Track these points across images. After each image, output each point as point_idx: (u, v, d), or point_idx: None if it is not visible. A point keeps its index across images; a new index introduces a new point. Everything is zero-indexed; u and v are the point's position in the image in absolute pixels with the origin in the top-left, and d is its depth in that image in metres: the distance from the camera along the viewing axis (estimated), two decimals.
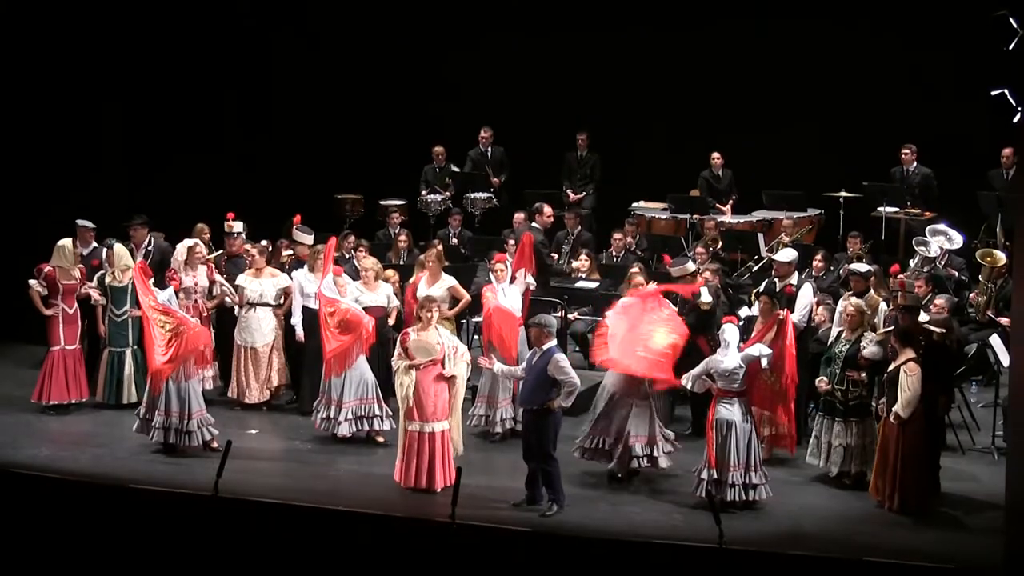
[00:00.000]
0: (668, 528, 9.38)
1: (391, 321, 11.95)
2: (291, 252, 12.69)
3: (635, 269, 12.03)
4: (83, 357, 11.90)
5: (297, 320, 11.85)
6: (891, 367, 9.73)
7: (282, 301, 12.08)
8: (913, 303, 10.52)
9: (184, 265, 12.12)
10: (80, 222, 12.50)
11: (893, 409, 9.58)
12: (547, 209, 13.17)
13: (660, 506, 9.89)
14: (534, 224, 12.75)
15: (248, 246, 12.46)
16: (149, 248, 12.78)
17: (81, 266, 11.95)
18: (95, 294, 11.88)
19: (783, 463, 10.69)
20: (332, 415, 10.95)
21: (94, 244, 12.57)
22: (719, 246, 14.02)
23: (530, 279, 11.49)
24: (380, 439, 11.11)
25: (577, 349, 12.79)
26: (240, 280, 12.07)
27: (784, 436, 10.03)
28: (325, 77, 16.56)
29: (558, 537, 8.98)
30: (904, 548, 8.95)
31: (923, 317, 10.54)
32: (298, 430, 11.57)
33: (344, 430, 10.94)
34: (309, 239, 12.49)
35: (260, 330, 12.05)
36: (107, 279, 11.94)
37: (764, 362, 9.73)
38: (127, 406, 11.61)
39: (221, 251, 12.98)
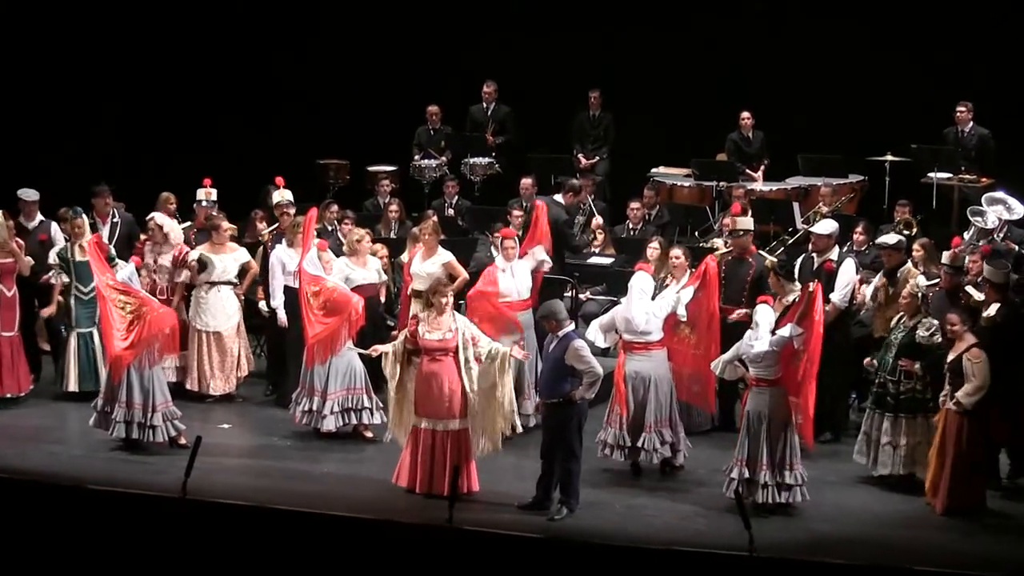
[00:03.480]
0: (691, 533, 9.43)
1: (382, 299, 12.03)
2: (272, 225, 12.64)
3: (654, 244, 12.04)
4: (23, 345, 11.85)
5: (279, 302, 11.86)
6: (952, 355, 9.69)
7: (241, 279, 12.22)
8: (955, 263, 10.55)
9: (151, 242, 12.14)
10: (23, 193, 12.38)
11: (956, 396, 9.56)
12: (583, 193, 13.03)
13: (681, 508, 9.93)
14: (557, 198, 12.70)
15: (215, 213, 12.46)
16: (115, 220, 12.83)
17: (18, 240, 11.85)
18: (55, 280, 11.86)
19: (822, 461, 10.72)
20: (315, 408, 10.95)
21: (40, 217, 12.49)
22: (749, 216, 13.94)
23: (544, 255, 11.43)
24: (369, 434, 11.13)
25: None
26: (194, 254, 12.03)
27: (800, 426, 9.83)
28: (305, 27, 16.56)
29: (568, 543, 8.99)
30: (954, 555, 9.04)
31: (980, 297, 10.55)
32: (276, 424, 11.60)
33: (329, 424, 10.95)
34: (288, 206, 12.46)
35: (223, 311, 12.04)
36: (72, 253, 11.91)
37: (797, 344, 9.72)
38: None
39: (189, 223, 12.99)
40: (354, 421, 11.03)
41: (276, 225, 12.61)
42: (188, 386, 12.01)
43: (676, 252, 11.23)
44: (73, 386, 11.90)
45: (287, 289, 11.80)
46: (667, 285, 11.09)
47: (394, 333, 11.28)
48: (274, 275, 11.89)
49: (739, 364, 9.91)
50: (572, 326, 9.65)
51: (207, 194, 12.82)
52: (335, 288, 10.97)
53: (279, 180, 12.88)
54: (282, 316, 11.85)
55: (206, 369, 12.01)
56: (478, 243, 13.78)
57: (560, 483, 9.62)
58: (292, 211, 12.32)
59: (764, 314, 9.81)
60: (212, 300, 11.99)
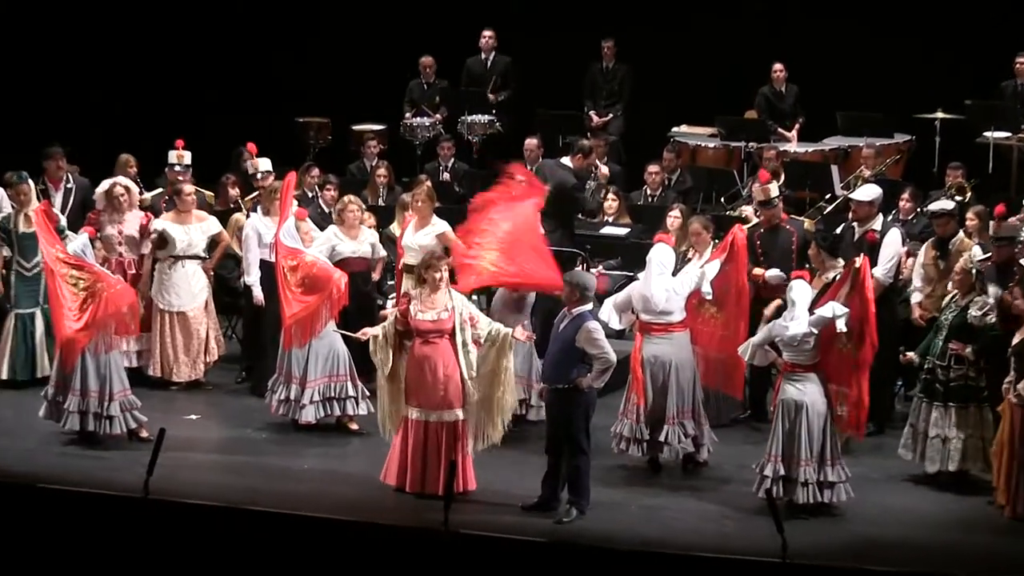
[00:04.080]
0: (717, 537, 9.43)
1: (375, 276, 12.03)
2: (252, 192, 12.62)
3: (675, 212, 12.05)
4: None
5: (255, 278, 11.88)
6: (1017, 338, 9.65)
7: (211, 253, 12.23)
8: (1009, 234, 10.54)
9: (107, 211, 12.10)
10: None
11: (1017, 387, 9.55)
12: (594, 156, 13.04)
13: (706, 509, 9.92)
14: (564, 161, 12.66)
15: (181, 178, 12.45)
16: (69, 186, 12.81)
17: None
18: None
19: (865, 456, 10.70)
20: (294, 396, 10.97)
21: None
22: (782, 182, 13.94)
23: None
24: (354, 427, 11.16)
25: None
26: (160, 224, 12.01)
27: (851, 418, 9.90)
28: None
29: (578, 548, 8.98)
30: (1010, 562, 9.06)
31: None
32: (250, 415, 11.62)
33: (308, 415, 10.97)
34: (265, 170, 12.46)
35: (189, 289, 12.06)
36: (15, 223, 11.92)
37: (840, 325, 9.66)
38: (41, 381, 11.60)
39: (160, 190, 13.00)
40: (336, 412, 11.05)
41: (257, 193, 12.64)
42: (151, 372, 12.03)
43: (699, 221, 11.20)
44: (5, 373, 11.90)
45: (264, 263, 11.81)
46: (690, 259, 11.08)
47: (384, 313, 11.27)
48: (248, 247, 11.88)
49: (770, 348, 9.89)
50: (591, 306, 9.64)
51: (179, 157, 12.77)
52: (315, 262, 10.93)
53: (251, 147, 12.86)
54: (258, 293, 11.84)
55: (170, 353, 12.01)
56: None
57: (567, 481, 9.61)
58: (271, 180, 12.33)
59: (801, 291, 9.77)
60: (176, 277, 12.00)
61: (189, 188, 12.11)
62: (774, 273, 11.19)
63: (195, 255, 12.05)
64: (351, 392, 11.03)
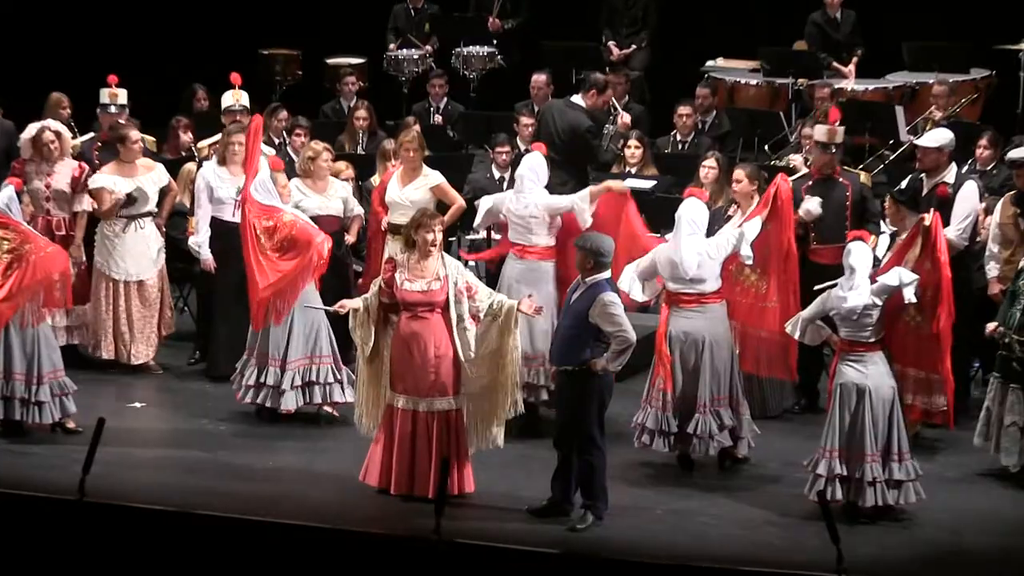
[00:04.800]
0: (760, 547, 9.43)
1: (349, 238, 12.07)
2: (214, 137, 12.61)
3: (709, 161, 12.00)
4: None
5: (203, 238, 11.95)
6: None
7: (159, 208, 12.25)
8: None
9: (34, 161, 12.08)
10: None
11: None
12: (610, 92, 13.08)
13: (746, 515, 9.95)
14: (575, 99, 12.66)
15: (123, 121, 12.46)
16: None
17: None
18: None
19: (935, 449, 10.70)
20: (272, 381, 11.02)
21: None
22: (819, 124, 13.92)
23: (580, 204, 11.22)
24: (336, 415, 11.25)
25: None
26: (100, 180, 12.01)
27: (938, 407, 9.96)
28: None
29: (594, 560, 8.98)
30: None
31: None
32: (206, 403, 11.68)
33: (289, 402, 11.03)
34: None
35: (147, 254, 12.13)
36: None
37: (909, 295, 9.67)
38: None
39: (91, 135, 12.97)
40: (318, 399, 11.12)
41: (92, 135, 12.73)
42: (102, 354, 12.07)
43: (739, 172, 11.18)
44: None
45: (218, 222, 11.88)
46: (727, 217, 11.06)
47: (362, 283, 11.26)
48: (199, 203, 11.94)
49: (824, 324, 9.87)
50: (608, 274, 9.64)
51: (113, 96, 12.78)
52: (294, 222, 10.95)
53: (234, 77, 12.84)
54: (206, 255, 11.90)
55: (124, 331, 12.05)
56: (474, 160, 13.81)
57: (580, 481, 9.65)
58: (246, 122, 12.32)
59: (860, 255, 9.75)
60: (131, 240, 12.05)
61: (136, 134, 12.12)
62: (812, 205, 11.15)
63: (148, 212, 12.11)
64: (336, 377, 11.13)
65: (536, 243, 11.09)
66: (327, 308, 10.50)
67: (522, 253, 11.13)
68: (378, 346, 9.93)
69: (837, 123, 11.43)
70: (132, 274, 12.05)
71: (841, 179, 11.44)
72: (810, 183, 11.46)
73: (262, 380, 11.04)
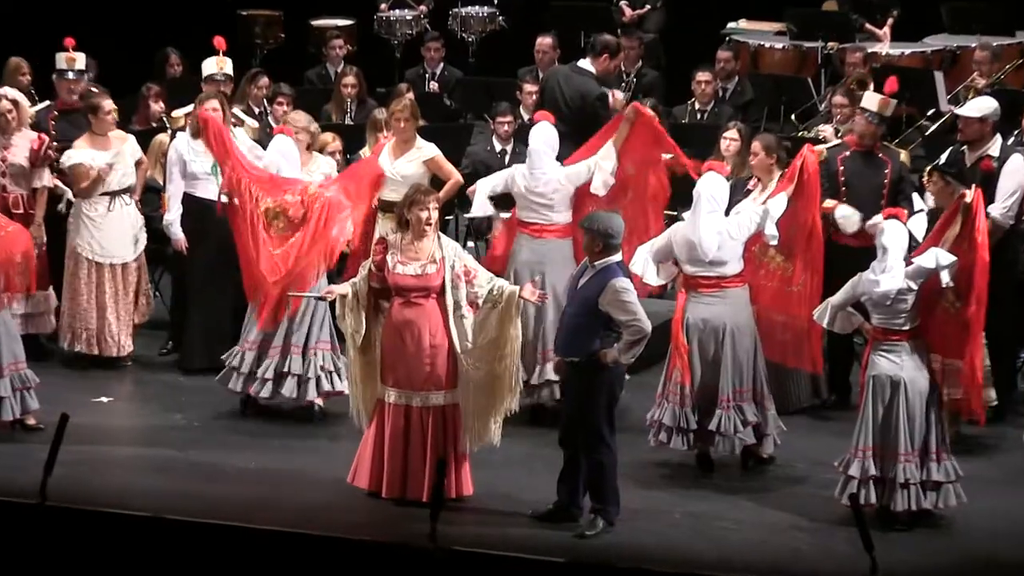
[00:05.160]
0: (786, 555, 9.46)
1: None
2: (185, 107, 12.64)
3: (731, 132, 12.01)
4: None
5: (174, 216, 12.00)
6: None
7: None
8: None
9: None
10: None
11: None
12: (622, 56, 13.10)
13: (772, 519, 9.97)
14: (583, 64, 12.68)
15: (94, 90, 12.46)
16: None
17: None
18: None
19: (978, 448, 10.68)
20: (285, 368, 11.01)
21: None
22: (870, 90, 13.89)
23: (604, 162, 11.25)
24: (319, 402, 11.32)
25: None
26: (77, 156, 12.01)
27: (967, 398, 9.96)
28: None
29: (605, 569, 8.82)
30: None
31: None
32: (178, 398, 11.72)
33: (310, 392, 11.12)
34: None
35: (131, 234, 12.21)
36: None
37: (946, 278, 9.69)
38: None
39: (47, 103, 12.96)
40: (326, 388, 11.17)
41: (48, 103, 12.76)
42: (81, 348, 12.10)
43: (755, 144, 11.17)
44: None
45: (191, 199, 11.96)
46: (749, 190, 11.07)
47: (351, 266, 11.30)
48: (171, 177, 12.00)
49: (855, 310, 9.88)
50: (619, 257, 9.64)
51: (70, 60, 12.75)
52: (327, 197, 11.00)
53: (218, 41, 12.80)
54: (178, 234, 11.93)
55: (110, 320, 12.10)
56: (473, 130, 13.85)
57: (589, 483, 9.67)
58: (229, 90, 12.50)
59: (894, 235, 9.76)
60: (116, 218, 12.09)
61: (110, 103, 12.14)
62: (846, 213, 11.15)
63: (127, 188, 12.16)
64: (335, 364, 11.21)
65: (556, 220, 11.17)
66: (313, 295, 10.47)
67: (539, 233, 11.18)
68: (370, 335, 9.93)
69: (893, 93, 11.42)
70: (117, 256, 12.11)
71: (881, 155, 11.41)
72: (847, 153, 11.43)
73: (273, 371, 11.10)
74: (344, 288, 9.98)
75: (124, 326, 12.13)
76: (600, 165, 11.13)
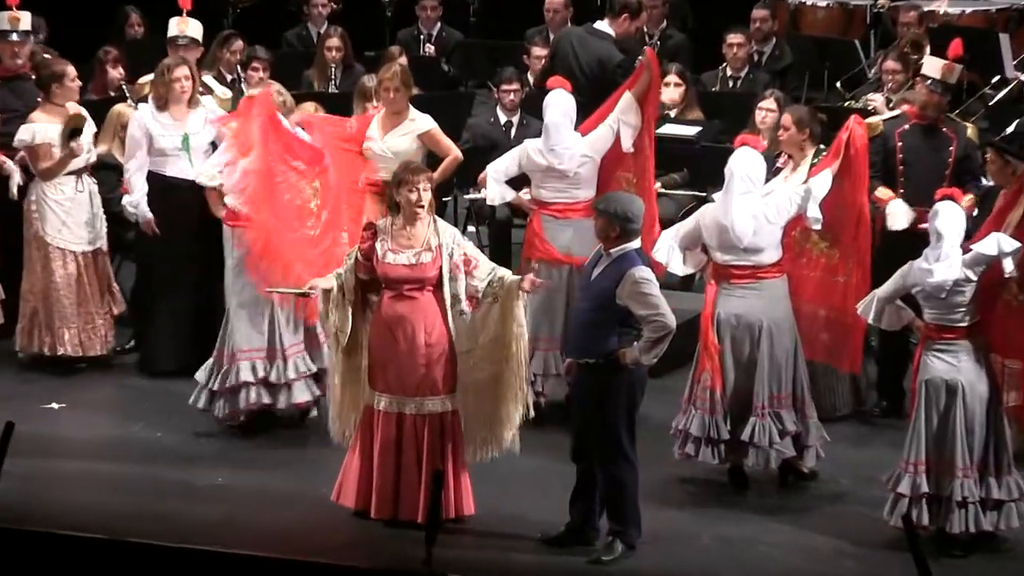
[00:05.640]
0: None
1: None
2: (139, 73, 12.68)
3: (767, 102, 12.03)
4: None
5: (140, 195, 12.03)
6: None
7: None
8: None
9: None
10: None
11: None
12: (644, 17, 13.09)
13: (814, 542, 10.00)
14: (600, 25, 12.69)
15: (48, 56, 12.58)
16: None
17: None
18: None
19: None
20: (281, 375, 11.13)
21: None
22: (927, 54, 13.80)
23: (627, 116, 11.34)
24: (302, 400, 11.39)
25: None
26: (41, 133, 12.05)
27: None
28: None
29: None
30: None
31: None
32: (140, 404, 11.76)
33: (301, 394, 11.23)
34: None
35: (99, 215, 12.32)
36: None
37: (1009, 266, 9.69)
38: None
39: None
40: (317, 393, 11.30)
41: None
42: (67, 350, 12.15)
43: (785, 118, 11.17)
44: None
45: (158, 178, 12.00)
46: (779, 171, 11.09)
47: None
48: (133, 153, 12.05)
49: (904, 305, 9.90)
50: (638, 243, 9.61)
51: (13, 20, 12.79)
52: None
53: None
54: (146, 213, 11.98)
55: (92, 313, 12.18)
56: (475, 100, 13.86)
57: (606, 502, 9.66)
58: (197, 55, 12.55)
59: (949, 218, 9.75)
60: (83, 200, 12.17)
61: (73, 70, 12.20)
62: (898, 210, 11.18)
63: (90, 165, 12.29)
64: (316, 363, 11.32)
65: (582, 197, 11.21)
66: (293, 291, 10.47)
67: (564, 213, 11.22)
68: (357, 334, 9.93)
69: (958, 59, 11.43)
70: (90, 242, 12.23)
71: (945, 129, 11.43)
72: (906, 127, 11.43)
73: (268, 375, 11.15)
74: (328, 281, 9.95)
75: (107, 319, 12.26)
76: (623, 121, 11.18)
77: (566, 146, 11.13)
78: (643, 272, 9.46)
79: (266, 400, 11.13)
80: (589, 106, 11.70)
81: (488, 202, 11.74)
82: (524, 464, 10.38)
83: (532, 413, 9.98)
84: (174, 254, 11.77)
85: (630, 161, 11.25)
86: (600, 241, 9.64)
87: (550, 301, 11.20)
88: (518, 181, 11.49)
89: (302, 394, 11.20)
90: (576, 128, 11.30)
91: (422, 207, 9.79)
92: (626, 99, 11.22)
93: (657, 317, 9.39)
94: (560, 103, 11.21)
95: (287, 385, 11.13)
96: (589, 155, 11.19)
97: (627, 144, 11.21)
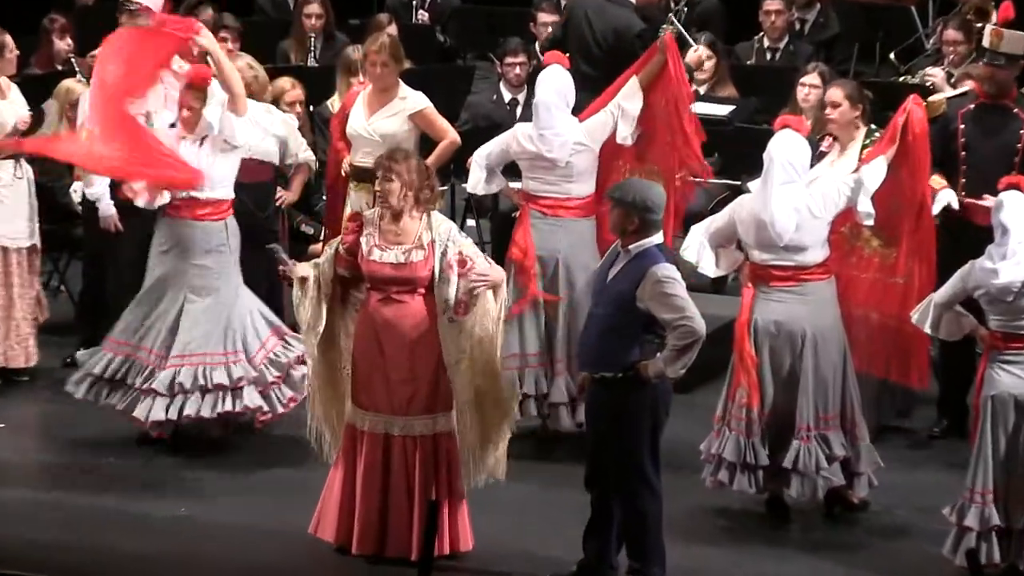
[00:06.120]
0: None
1: (288, 196, 12.27)
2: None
3: (811, 77, 12.12)
4: None
5: (102, 188, 12.14)
6: None
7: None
8: None
9: None
10: None
11: None
12: None
13: None
14: None
15: None
16: None
17: None
18: None
19: None
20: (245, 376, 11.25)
21: None
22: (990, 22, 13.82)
23: (628, 103, 11.43)
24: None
25: None
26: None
27: None
28: None
29: None
30: None
31: None
32: (88, 424, 11.76)
33: (252, 399, 11.29)
34: None
35: (33, 205, 12.44)
36: None
37: None
38: None
39: None
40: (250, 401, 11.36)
41: None
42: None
43: (835, 93, 11.19)
44: None
45: None
46: (823, 155, 11.11)
47: (315, 248, 11.56)
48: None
49: (964, 311, 9.91)
50: (660, 237, 9.56)
51: None
52: None
53: None
54: (108, 209, 12.05)
55: (18, 321, 12.25)
56: (474, 74, 13.87)
57: (626, 536, 9.66)
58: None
59: (1017, 211, 9.77)
60: (21, 189, 12.32)
61: (9, 40, 12.28)
62: (947, 199, 11.15)
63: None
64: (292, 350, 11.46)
65: (576, 193, 11.24)
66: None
67: (554, 210, 11.20)
68: (332, 330, 9.92)
69: (1008, 20, 11.51)
70: (23, 237, 12.33)
71: (1016, 109, 11.43)
72: (970, 107, 11.44)
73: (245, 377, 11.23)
74: (305, 270, 9.95)
75: (32, 327, 12.29)
76: (623, 108, 11.20)
77: (557, 132, 11.12)
78: (666, 270, 9.39)
79: (206, 412, 11.16)
80: (604, 82, 11.70)
81: (468, 190, 11.76)
82: (529, 492, 10.46)
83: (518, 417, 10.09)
84: (132, 254, 11.77)
85: (634, 152, 11.28)
86: (616, 237, 9.60)
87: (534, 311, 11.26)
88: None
89: (252, 400, 11.21)
90: (584, 109, 11.33)
91: (387, 205, 9.74)
92: (631, 84, 11.24)
93: (684, 321, 9.32)
94: (554, 80, 11.22)
95: (236, 390, 11.14)
96: (584, 144, 11.19)
97: (623, 135, 11.21)
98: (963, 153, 11.27)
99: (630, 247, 9.46)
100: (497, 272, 9.85)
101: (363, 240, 9.76)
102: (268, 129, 11.79)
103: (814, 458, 10.28)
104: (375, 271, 9.72)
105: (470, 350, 9.81)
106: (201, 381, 11.09)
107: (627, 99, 11.21)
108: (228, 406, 11.14)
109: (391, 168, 9.74)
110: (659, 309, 9.33)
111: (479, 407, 9.86)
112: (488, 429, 9.89)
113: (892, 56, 14.48)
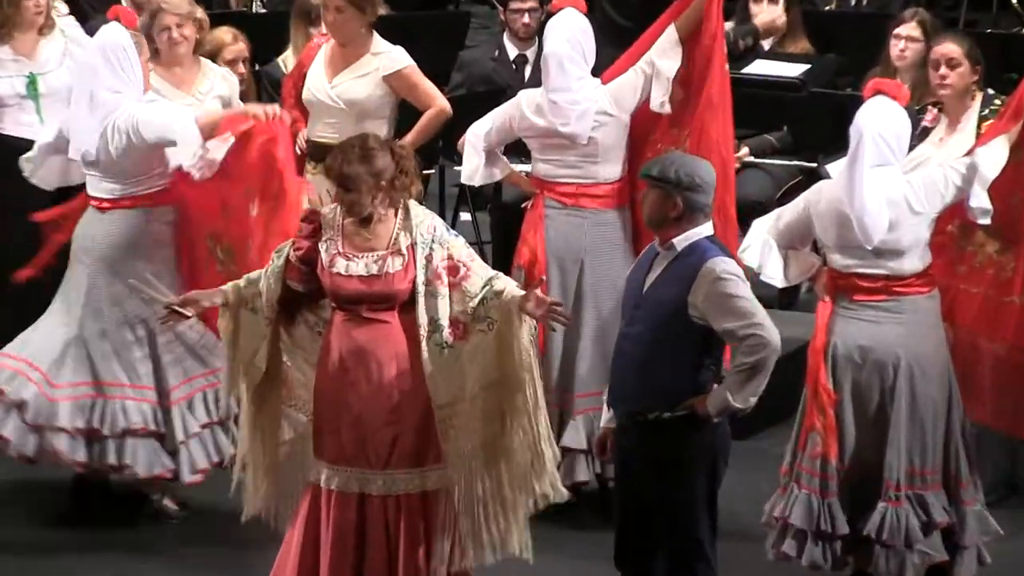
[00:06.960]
0: None
1: None
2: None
3: (909, 28, 12.24)
4: None
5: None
6: None
7: None
8: None
9: None
10: None
11: None
12: None
13: None
14: None
15: None
16: None
17: None
18: None
19: None
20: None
21: None
22: None
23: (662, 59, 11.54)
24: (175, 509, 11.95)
25: None
26: None
27: None
28: None
29: None
30: None
31: None
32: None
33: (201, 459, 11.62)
34: None
35: None
36: None
37: None
38: None
39: None
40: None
41: None
42: None
43: (948, 48, 11.29)
44: None
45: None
46: (927, 131, 11.32)
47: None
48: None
49: None
50: (710, 228, 9.47)
51: None
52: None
53: None
54: None
55: None
56: (469, 24, 13.97)
57: None
58: None
59: None
60: None
61: None
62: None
63: None
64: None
65: (603, 177, 11.29)
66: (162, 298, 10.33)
67: (576, 199, 11.29)
68: (276, 361, 9.84)
69: None
70: None
71: None
72: None
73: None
74: (215, 296, 9.90)
75: None
76: (657, 66, 11.19)
77: (573, 98, 11.09)
78: (726, 264, 9.34)
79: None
80: (638, 34, 11.76)
81: (462, 179, 11.82)
82: (548, 568, 10.32)
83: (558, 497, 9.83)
84: (12, 240, 12.03)
85: (669, 122, 11.34)
86: (651, 229, 9.54)
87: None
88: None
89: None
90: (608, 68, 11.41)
91: (352, 214, 9.62)
92: (668, 35, 11.23)
93: (752, 330, 9.23)
94: (567, 28, 11.24)
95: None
96: (610, 112, 11.24)
97: (657, 101, 11.21)
98: None
99: (673, 241, 9.34)
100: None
101: (323, 247, 9.63)
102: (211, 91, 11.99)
103: (905, 526, 10.24)
104: (340, 287, 9.57)
105: (473, 393, 9.64)
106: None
107: (662, 54, 11.22)
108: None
109: (348, 177, 9.59)
110: (719, 316, 9.23)
111: (496, 463, 9.70)
112: (509, 493, 9.72)
113: (1015, 1, 14.38)
